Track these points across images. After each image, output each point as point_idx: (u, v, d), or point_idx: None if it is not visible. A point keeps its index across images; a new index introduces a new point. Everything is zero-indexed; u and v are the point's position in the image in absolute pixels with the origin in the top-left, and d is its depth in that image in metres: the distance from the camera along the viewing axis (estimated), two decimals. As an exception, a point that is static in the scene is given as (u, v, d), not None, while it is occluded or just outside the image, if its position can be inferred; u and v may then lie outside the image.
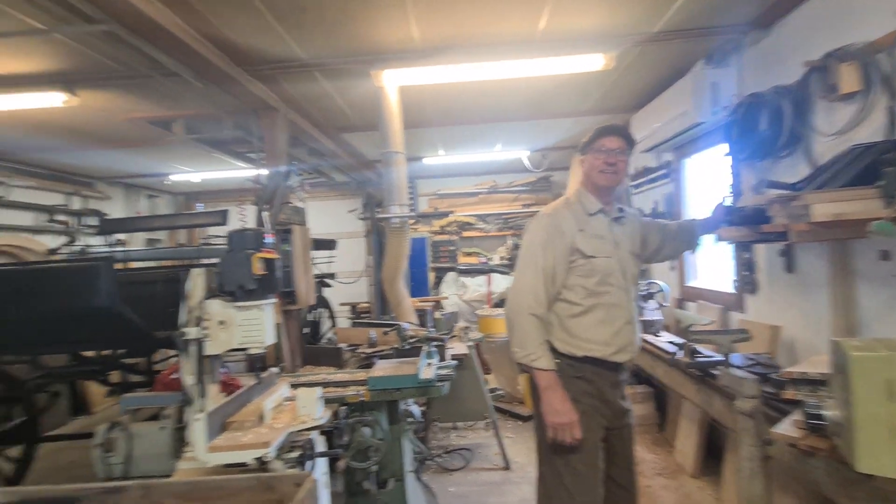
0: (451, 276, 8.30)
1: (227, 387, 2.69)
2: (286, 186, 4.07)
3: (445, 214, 5.92)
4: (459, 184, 8.99)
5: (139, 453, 2.80)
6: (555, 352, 2.18)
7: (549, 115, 5.44)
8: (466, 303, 7.94)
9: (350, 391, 2.83)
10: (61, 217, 6.45)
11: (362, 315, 6.25)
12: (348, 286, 6.82)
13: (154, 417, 2.91)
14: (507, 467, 4.24)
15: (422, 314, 4.91)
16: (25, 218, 6.09)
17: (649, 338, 3.87)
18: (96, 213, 6.74)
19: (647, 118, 4.61)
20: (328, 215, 8.79)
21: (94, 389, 6.18)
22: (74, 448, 4.96)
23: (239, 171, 6.90)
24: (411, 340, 3.34)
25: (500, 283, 8.03)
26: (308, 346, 4.13)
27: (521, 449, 4.57)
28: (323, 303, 6.19)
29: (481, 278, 8.11)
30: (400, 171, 3.79)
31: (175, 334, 2.28)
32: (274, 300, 2.48)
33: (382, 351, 3.66)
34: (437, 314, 4.47)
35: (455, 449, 4.64)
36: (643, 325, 3.59)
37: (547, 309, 2.17)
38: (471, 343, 4.58)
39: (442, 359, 3.34)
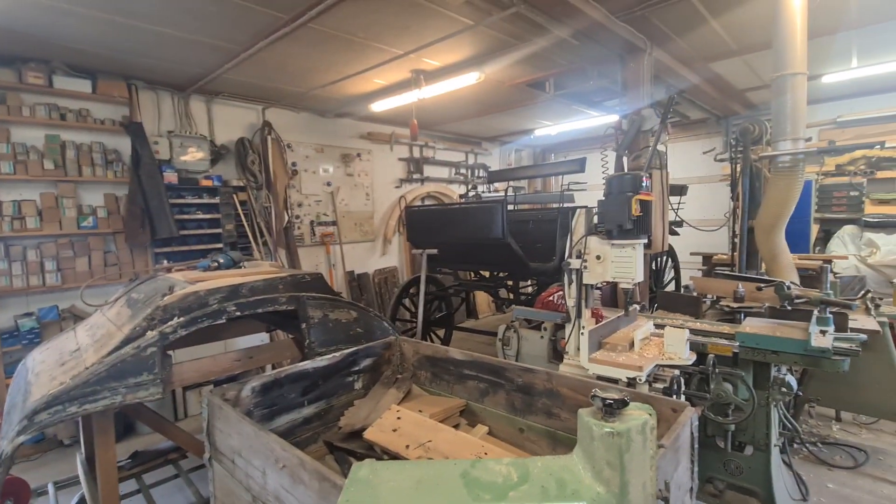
0: (849, 230, 6.34)
1: (595, 314, 3.08)
2: (647, 130, 4.06)
3: (870, 146, 4.45)
4: (874, 105, 6.51)
5: (525, 351, 3.63)
6: None
7: None
8: (873, 267, 5.95)
9: (718, 341, 2.73)
10: (462, 170, 8.58)
11: (717, 268, 5.67)
12: (696, 236, 6.26)
13: (535, 328, 3.67)
14: (933, 491, 3.18)
15: (804, 274, 4.06)
16: (443, 171, 8.45)
17: None
18: (483, 166, 8.64)
19: None
20: (677, 158, 8.13)
21: (480, 300, 8.23)
22: (469, 339, 6.87)
23: (592, 121, 7.27)
24: (797, 301, 2.87)
25: (946, 245, 5.58)
26: (662, 291, 4.15)
27: (963, 478, 3.31)
28: (667, 251, 5.95)
29: (904, 237, 5.85)
30: (797, 97, 3.11)
31: (563, 264, 2.78)
32: (645, 240, 2.63)
33: (751, 308, 3.30)
34: (832, 277, 3.61)
35: (839, 443, 3.79)
36: None
37: None
38: (883, 319, 3.50)
39: (840, 329, 2.74)
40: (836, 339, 2.54)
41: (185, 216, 5.11)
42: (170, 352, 3.21)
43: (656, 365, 2.42)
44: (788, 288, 2.90)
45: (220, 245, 5.35)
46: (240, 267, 3.33)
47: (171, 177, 4.93)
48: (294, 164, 6.36)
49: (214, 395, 2.03)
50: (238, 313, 2.56)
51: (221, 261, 3.21)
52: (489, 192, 8.91)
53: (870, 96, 6.55)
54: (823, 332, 2.58)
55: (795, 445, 3.75)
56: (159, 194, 4.70)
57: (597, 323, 2.77)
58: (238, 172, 5.72)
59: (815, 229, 6.45)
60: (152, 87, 5.02)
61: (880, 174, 6.28)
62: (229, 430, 1.87)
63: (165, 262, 4.83)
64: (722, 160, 5.12)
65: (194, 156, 5.19)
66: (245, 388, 2.20)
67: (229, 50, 4.12)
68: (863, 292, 3.26)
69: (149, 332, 2.26)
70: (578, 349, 2.64)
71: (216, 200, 5.34)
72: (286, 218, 5.99)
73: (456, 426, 2.49)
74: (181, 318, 2.36)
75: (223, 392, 2.11)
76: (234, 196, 5.54)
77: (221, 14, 3.43)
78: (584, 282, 2.74)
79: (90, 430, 2.71)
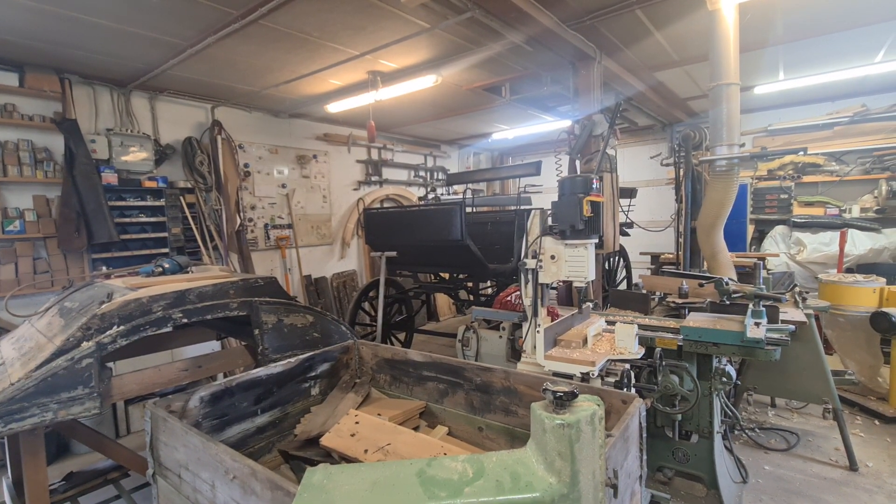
0: (780, 230, 6.84)
1: (550, 313, 3.15)
2: (598, 135, 4.22)
3: (794, 152, 4.81)
4: (800, 115, 7.07)
5: (484, 351, 3.67)
6: None
7: None
8: (801, 264, 6.45)
9: (665, 335, 2.86)
10: (421, 173, 8.58)
11: (665, 266, 5.96)
12: (646, 236, 6.58)
13: (494, 328, 3.72)
14: (852, 468, 3.47)
15: (741, 271, 4.34)
16: (402, 174, 8.42)
17: None
18: (442, 169, 8.68)
19: None
20: (626, 162, 8.51)
21: (441, 303, 8.24)
22: (430, 342, 6.86)
23: (546, 126, 7.46)
24: (734, 296, 3.06)
25: (861, 242, 6.12)
26: (614, 290, 4.32)
27: (874, 452, 3.65)
28: (619, 251, 6.21)
29: (826, 235, 6.38)
30: (731, 106, 3.34)
31: (519, 264, 2.84)
32: (596, 240, 2.73)
33: (694, 303, 3.49)
34: (765, 273, 3.87)
35: (774, 428, 4.08)
36: None
37: None
38: (809, 311, 3.80)
39: (772, 321, 2.95)
40: (768, 330, 2.73)
41: (127, 219, 4.82)
42: (109, 363, 3.03)
43: (608, 360, 2.50)
44: (727, 284, 3.09)
45: (166, 250, 5.08)
46: (187, 272, 3.17)
47: (110, 177, 4.63)
48: (246, 165, 6.14)
49: (158, 406, 1.93)
50: (185, 321, 2.44)
51: (167, 266, 3.05)
52: (448, 194, 8.96)
53: (796, 107, 7.11)
54: (758, 324, 2.77)
55: (736, 431, 3.99)
56: (97, 196, 4.40)
57: (552, 321, 2.83)
58: (185, 173, 5.46)
59: (750, 229, 6.91)
60: (88, 82, 4.70)
61: (806, 178, 6.83)
62: (175, 443, 1.78)
63: (104, 268, 4.54)
64: (667, 164, 5.41)
65: (137, 156, 4.91)
66: (193, 399, 2.10)
67: (174, 45, 3.93)
68: (792, 287, 3.52)
69: (84, 343, 2.12)
70: (535, 347, 2.70)
71: (161, 203, 5.07)
72: (238, 221, 5.77)
73: (416, 428, 2.48)
74: (121, 327, 2.22)
75: (168, 403, 2.00)
76: (182, 198, 5.28)
77: (165, 7, 3.26)
78: (540, 281, 2.80)
79: (17, 450, 2.50)
